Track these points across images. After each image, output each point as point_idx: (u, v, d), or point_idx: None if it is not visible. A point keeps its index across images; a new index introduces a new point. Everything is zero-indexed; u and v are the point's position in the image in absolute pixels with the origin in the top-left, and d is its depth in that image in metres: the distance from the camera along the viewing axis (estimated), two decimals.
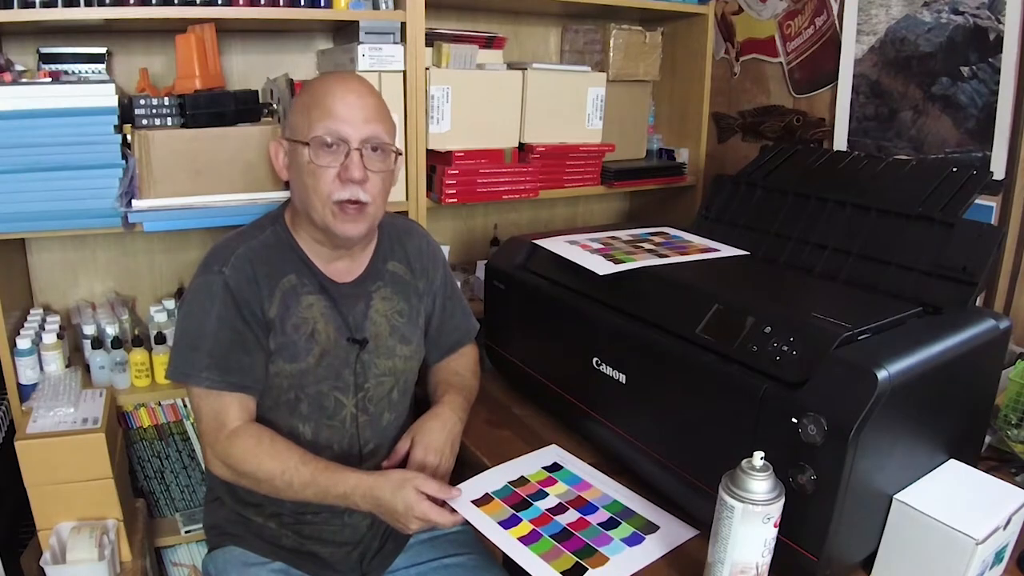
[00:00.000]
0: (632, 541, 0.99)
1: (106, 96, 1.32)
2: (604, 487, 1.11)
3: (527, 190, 1.72)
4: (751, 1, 1.89)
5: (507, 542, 0.97)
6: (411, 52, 1.54)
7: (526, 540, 0.98)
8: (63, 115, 1.29)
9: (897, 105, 1.57)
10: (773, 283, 1.20)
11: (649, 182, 1.98)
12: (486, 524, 1.01)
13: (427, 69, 1.58)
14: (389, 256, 1.23)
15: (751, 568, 0.84)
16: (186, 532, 1.62)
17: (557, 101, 1.77)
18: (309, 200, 1.08)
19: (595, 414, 1.18)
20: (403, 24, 1.53)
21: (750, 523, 0.81)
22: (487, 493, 1.08)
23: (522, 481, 1.12)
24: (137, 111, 1.38)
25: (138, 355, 1.52)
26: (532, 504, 1.06)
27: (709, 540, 0.87)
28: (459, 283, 1.58)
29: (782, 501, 0.81)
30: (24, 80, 1.36)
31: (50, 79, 1.36)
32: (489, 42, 1.78)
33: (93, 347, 1.50)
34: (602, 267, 1.15)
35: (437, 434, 1.16)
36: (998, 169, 1.39)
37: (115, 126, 1.33)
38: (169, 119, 1.41)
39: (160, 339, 1.54)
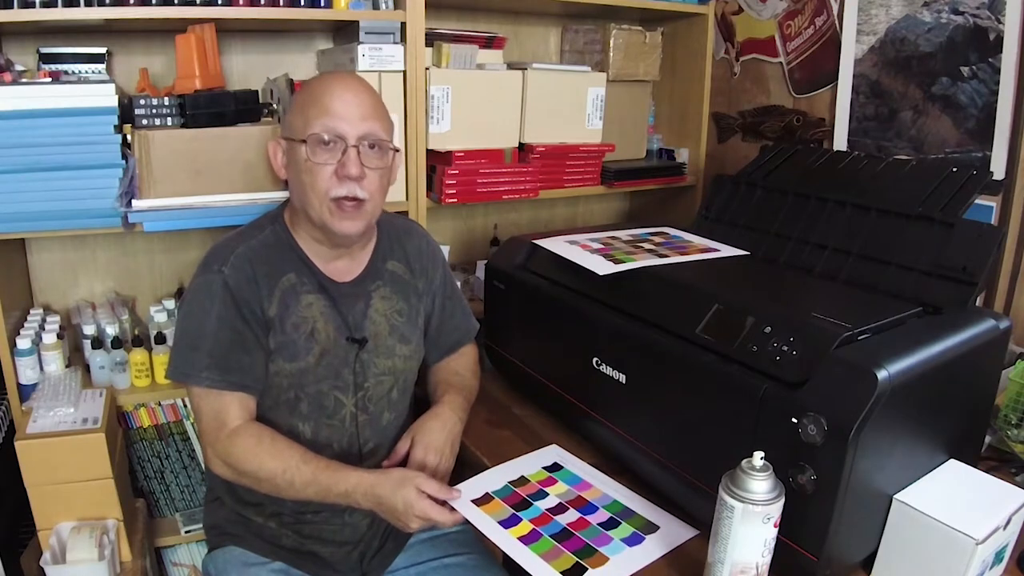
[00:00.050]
0: (632, 541, 0.99)
1: (106, 96, 1.32)
2: (604, 487, 1.11)
3: (527, 190, 1.72)
4: (751, 1, 1.89)
5: (507, 541, 0.97)
6: (411, 52, 1.54)
7: (526, 540, 0.98)
8: (63, 115, 1.29)
9: (897, 105, 1.57)
10: (773, 283, 1.20)
11: (649, 182, 1.98)
12: (486, 523, 1.01)
13: (427, 69, 1.58)
14: (388, 256, 1.23)
15: (751, 568, 0.84)
16: (186, 532, 1.62)
17: (557, 101, 1.77)
18: (307, 198, 1.08)
19: (595, 414, 1.18)
20: (403, 24, 1.53)
21: (750, 523, 0.81)
22: (487, 493, 1.08)
23: (522, 481, 1.12)
24: (137, 111, 1.38)
25: (138, 355, 1.52)
26: (532, 504, 1.06)
27: (709, 540, 0.87)
28: (459, 283, 1.58)
29: (782, 501, 0.81)
30: (24, 80, 1.36)
31: (50, 79, 1.36)
32: (489, 42, 1.78)
33: (93, 347, 1.50)
34: (602, 267, 1.15)
35: (437, 434, 1.16)
36: (998, 169, 1.39)
37: (115, 126, 1.33)
38: (169, 119, 1.41)
39: (160, 339, 1.54)
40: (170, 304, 1.65)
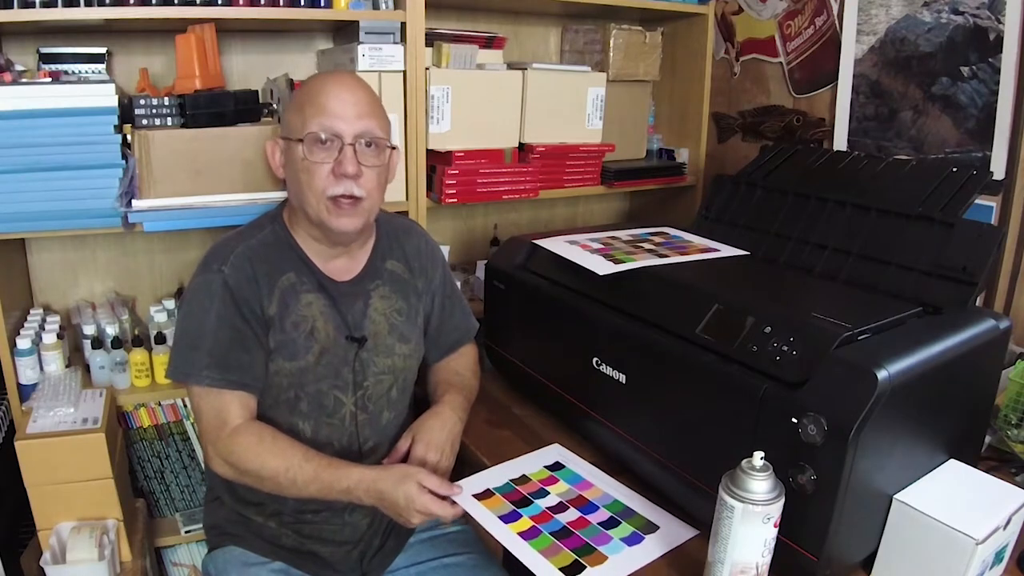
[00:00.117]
0: (632, 541, 0.99)
1: (106, 96, 1.32)
2: (605, 487, 1.11)
3: (527, 190, 1.72)
4: (751, 1, 1.89)
5: (506, 536, 0.98)
6: (411, 52, 1.53)
7: (526, 536, 0.98)
8: (63, 115, 1.29)
9: (897, 105, 1.57)
10: (773, 283, 1.20)
11: (649, 182, 1.98)
12: (486, 517, 1.01)
13: (427, 69, 1.58)
14: (388, 255, 1.23)
15: (751, 568, 0.84)
16: (186, 532, 1.62)
17: (557, 101, 1.77)
18: (304, 196, 1.09)
19: (595, 414, 1.18)
20: (403, 24, 1.53)
21: (750, 523, 0.81)
22: (488, 489, 1.08)
23: (523, 479, 1.12)
24: (137, 111, 1.38)
25: (138, 355, 1.52)
26: (533, 502, 1.06)
27: (709, 540, 0.87)
28: (459, 283, 1.58)
29: (782, 501, 0.81)
30: (24, 80, 1.36)
31: (50, 79, 1.36)
32: (489, 42, 1.78)
33: (93, 347, 1.50)
34: (602, 267, 1.15)
35: (438, 432, 1.16)
36: (998, 169, 1.39)
37: (115, 126, 1.33)
38: (169, 119, 1.41)
39: (160, 339, 1.54)
40: (170, 304, 1.65)
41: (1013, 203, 1.38)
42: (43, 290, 1.66)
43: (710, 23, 1.96)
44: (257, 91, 1.55)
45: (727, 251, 1.29)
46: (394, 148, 1.15)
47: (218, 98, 1.42)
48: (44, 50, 1.48)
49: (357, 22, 1.50)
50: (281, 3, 1.43)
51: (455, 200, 1.64)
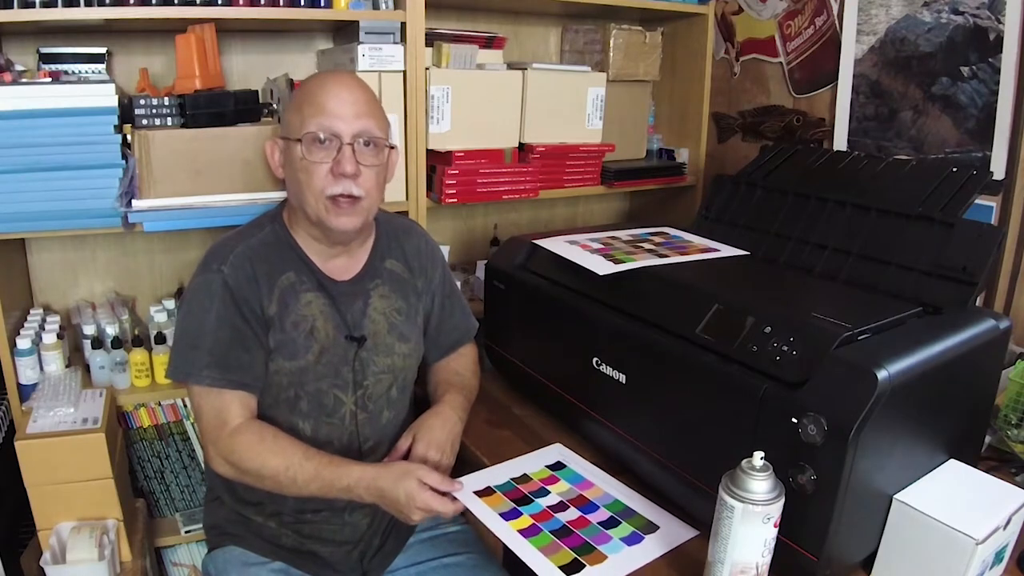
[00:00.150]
0: (631, 540, 0.99)
1: (106, 96, 1.32)
2: (606, 486, 1.12)
3: (527, 190, 1.72)
4: (751, 1, 1.89)
5: (506, 533, 0.98)
6: (411, 52, 1.53)
7: (525, 533, 0.98)
8: (63, 115, 1.29)
9: (897, 105, 1.57)
10: (773, 283, 1.20)
11: (649, 182, 1.98)
12: (486, 514, 1.01)
13: (427, 69, 1.58)
14: (387, 254, 1.24)
15: (751, 568, 0.84)
16: (186, 532, 1.62)
17: (557, 101, 1.77)
18: (303, 196, 1.09)
19: (595, 414, 1.18)
20: (403, 24, 1.53)
21: (750, 523, 0.81)
22: (489, 486, 1.09)
23: (524, 478, 1.12)
24: (137, 111, 1.38)
25: (138, 355, 1.52)
26: (533, 500, 1.06)
27: (709, 540, 0.87)
28: (459, 283, 1.58)
29: (782, 501, 0.81)
30: (24, 80, 1.36)
31: (50, 79, 1.36)
32: (489, 42, 1.78)
33: (93, 347, 1.50)
34: (602, 267, 1.16)
35: (439, 432, 1.16)
36: (998, 169, 1.39)
37: (115, 126, 1.33)
38: (169, 119, 1.41)
39: (160, 339, 1.54)
40: (170, 304, 1.65)
41: (1013, 203, 1.38)
42: (43, 290, 1.66)
43: (710, 23, 1.97)
44: (257, 91, 1.55)
45: (727, 251, 1.29)
46: (393, 147, 1.15)
47: (218, 98, 1.42)
48: (44, 50, 1.48)
49: (357, 22, 1.50)
50: (281, 3, 1.43)
51: (455, 200, 1.64)
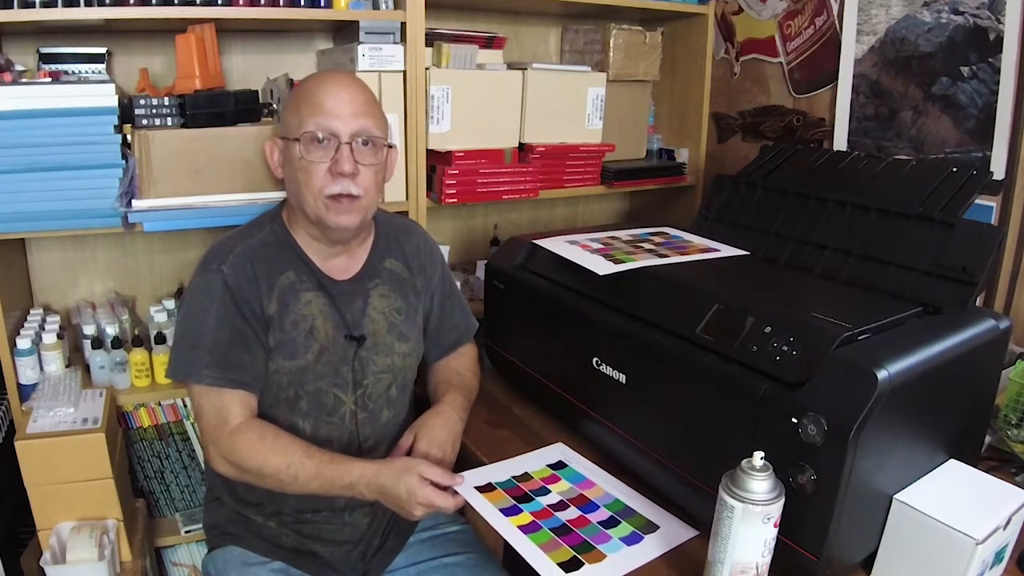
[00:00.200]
0: (631, 540, 0.99)
1: (106, 96, 1.32)
2: (607, 486, 1.12)
3: (527, 190, 1.72)
4: (751, 1, 1.89)
5: (506, 528, 0.98)
6: (411, 52, 1.53)
7: (525, 530, 0.99)
8: (63, 115, 1.29)
9: (897, 105, 1.57)
10: (773, 283, 1.20)
11: (649, 182, 1.98)
12: (487, 509, 1.02)
13: (427, 69, 1.58)
14: (387, 254, 1.24)
15: (751, 568, 0.84)
16: (186, 532, 1.62)
17: (557, 101, 1.77)
18: (302, 195, 1.09)
19: (595, 414, 1.18)
20: (403, 24, 1.53)
21: (750, 523, 0.81)
22: (490, 482, 1.09)
23: (526, 476, 1.13)
24: (137, 111, 1.38)
25: (138, 355, 1.52)
26: (533, 499, 1.06)
27: (709, 540, 0.87)
28: (459, 283, 1.58)
29: (782, 501, 0.81)
30: (24, 80, 1.36)
31: (50, 79, 1.36)
32: (489, 42, 1.78)
33: (93, 347, 1.50)
34: (602, 267, 1.16)
35: (439, 431, 1.16)
36: (998, 169, 1.39)
37: (115, 126, 1.33)
38: (169, 119, 1.41)
39: (160, 339, 1.54)
40: (170, 304, 1.65)
41: (1013, 203, 1.38)
42: (43, 290, 1.66)
43: (710, 23, 1.96)
44: (257, 91, 1.55)
45: (727, 251, 1.29)
46: (391, 146, 1.15)
47: (218, 98, 1.42)
48: (44, 50, 1.48)
49: (357, 22, 1.50)
50: (281, 3, 1.43)
51: (455, 200, 1.64)
